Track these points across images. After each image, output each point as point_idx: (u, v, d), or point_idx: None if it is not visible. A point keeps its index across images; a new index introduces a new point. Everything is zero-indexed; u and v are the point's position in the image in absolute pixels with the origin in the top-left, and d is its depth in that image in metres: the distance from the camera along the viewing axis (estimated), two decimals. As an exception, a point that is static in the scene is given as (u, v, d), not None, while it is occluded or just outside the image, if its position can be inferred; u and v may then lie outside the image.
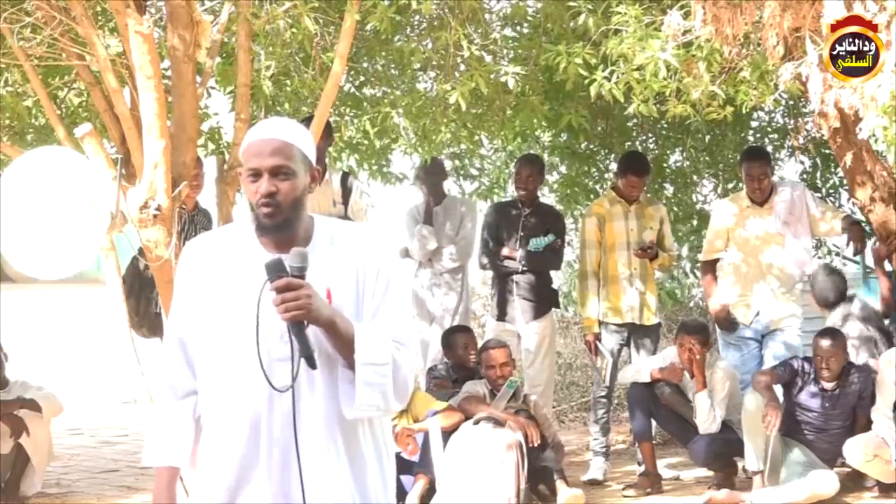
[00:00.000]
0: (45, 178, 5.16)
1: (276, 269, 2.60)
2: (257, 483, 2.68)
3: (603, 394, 7.20)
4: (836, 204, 8.86)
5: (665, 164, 9.69)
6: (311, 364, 2.60)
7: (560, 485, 6.20)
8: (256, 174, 2.71)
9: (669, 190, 9.85)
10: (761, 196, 6.90)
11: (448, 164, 8.77)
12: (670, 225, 7.63)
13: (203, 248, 2.84)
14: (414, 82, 7.45)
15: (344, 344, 2.64)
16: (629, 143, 9.08)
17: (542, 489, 6.37)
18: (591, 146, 9.30)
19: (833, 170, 9.10)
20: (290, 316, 2.58)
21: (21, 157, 5.53)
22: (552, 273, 7.68)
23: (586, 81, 5.82)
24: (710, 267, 7.15)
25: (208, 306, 2.74)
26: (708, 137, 9.32)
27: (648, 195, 7.74)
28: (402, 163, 8.95)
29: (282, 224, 2.70)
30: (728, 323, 6.96)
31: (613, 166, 8.77)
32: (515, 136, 9.09)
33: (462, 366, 6.81)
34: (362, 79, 7.63)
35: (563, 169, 9.73)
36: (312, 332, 2.63)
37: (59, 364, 11.12)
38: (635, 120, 8.87)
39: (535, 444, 6.09)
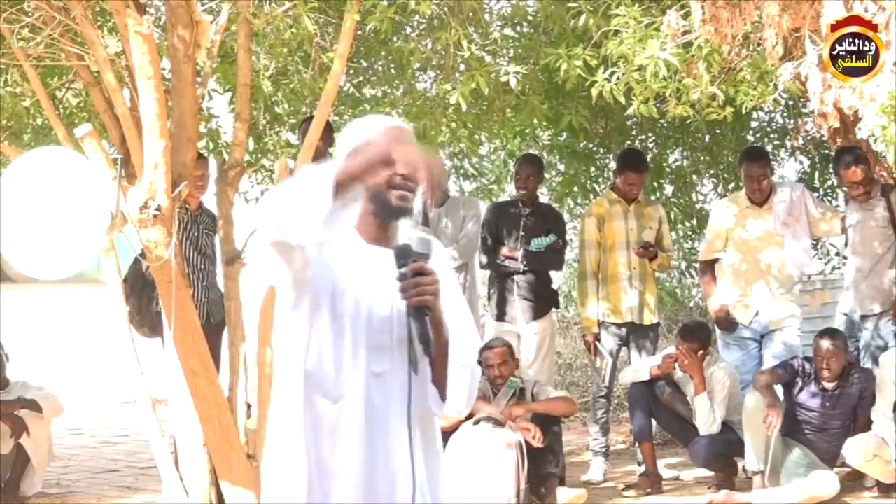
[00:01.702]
0: (45, 178, 5.15)
1: (406, 255, 2.62)
2: (340, 475, 2.65)
3: (602, 394, 7.20)
4: (835, 204, 8.86)
5: (665, 164, 9.70)
6: (429, 351, 2.62)
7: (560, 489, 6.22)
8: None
9: (669, 190, 9.87)
10: (761, 196, 6.89)
11: (447, 164, 8.77)
12: (670, 225, 7.63)
13: None
14: (414, 82, 7.45)
15: (443, 341, 2.67)
16: (629, 143, 9.09)
17: (543, 492, 6.37)
18: (591, 146, 9.31)
19: (832, 170, 9.11)
20: (421, 300, 2.59)
21: (21, 157, 5.53)
22: (551, 273, 7.68)
23: (587, 83, 5.82)
24: (709, 267, 7.15)
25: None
26: (708, 137, 9.33)
27: (648, 195, 7.74)
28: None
29: (409, 211, 2.73)
30: (727, 323, 6.96)
31: (613, 166, 8.78)
32: (515, 136, 9.10)
33: (462, 365, 6.79)
34: (361, 79, 7.64)
35: (561, 168, 9.74)
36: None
37: (59, 364, 11.11)
38: (635, 120, 8.87)
39: (542, 444, 6.07)
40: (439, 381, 2.70)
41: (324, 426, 2.66)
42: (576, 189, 9.51)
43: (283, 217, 2.53)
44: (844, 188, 6.80)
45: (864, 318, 6.78)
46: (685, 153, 9.79)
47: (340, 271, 2.71)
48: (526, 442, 6.05)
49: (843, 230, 6.87)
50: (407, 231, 2.83)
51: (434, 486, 2.75)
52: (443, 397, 2.72)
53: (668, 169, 9.77)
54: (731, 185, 9.42)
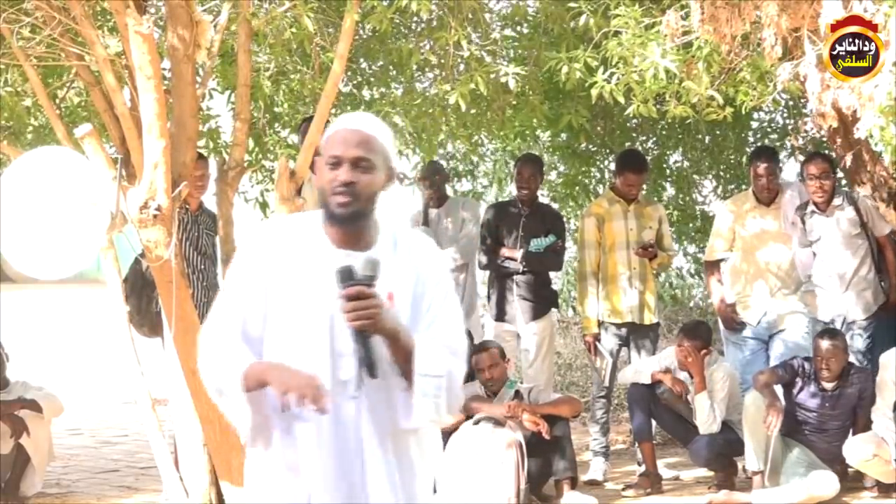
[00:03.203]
0: (45, 178, 5.16)
1: (346, 277, 2.61)
2: (312, 480, 2.70)
3: (602, 394, 7.20)
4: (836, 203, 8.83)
5: (665, 165, 9.69)
6: (372, 373, 2.64)
7: (568, 491, 6.23)
8: (337, 162, 2.70)
9: (670, 191, 9.86)
10: (769, 196, 6.89)
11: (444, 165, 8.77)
12: (670, 225, 7.62)
13: (275, 232, 2.81)
14: (413, 82, 7.45)
15: (404, 355, 2.67)
16: (629, 144, 9.08)
17: (547, 491, 6.37)
18: (591, 146, 9.31)
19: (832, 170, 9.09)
20: (358, 325, 2.61)
21: (21, 157, 5.54)
22: (550, 273, 7.68)
23: (587, 83, 5.82)
24: (715, 267, 7.15)
25: (275, 293, 2.73)
26: (708, 138, 9.32)
27: (647, 195, 7.73)
28: (403, 163, 8.96)
29: (354, 215, 2.70)
30: (733, 322, 6.96)
31: (613, 166, 8.78)
32: (516, 137, 9.10)
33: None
34: (361, 79, 7.64)
35: (561, 169, 9.73)
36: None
37: (59, 364, 11.11)
38: (635, 120, 8.87)
39: (548, 436, 6.10)
40: (410, 393, 2.70)
41: (290, 431, 2.71)
42: (577, 190, 9.51)
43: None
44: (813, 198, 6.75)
45: (849, 324, 6.72)
46: (686, 154, 9.79)
47: (305, 277, 2.71)
48: (529, 441, 6.06)
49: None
50: (399, 232, 2.82)
51: (410, 494, 2.76)
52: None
53: (668, 170, 9.76)
54: (732, 186, 9.41)
